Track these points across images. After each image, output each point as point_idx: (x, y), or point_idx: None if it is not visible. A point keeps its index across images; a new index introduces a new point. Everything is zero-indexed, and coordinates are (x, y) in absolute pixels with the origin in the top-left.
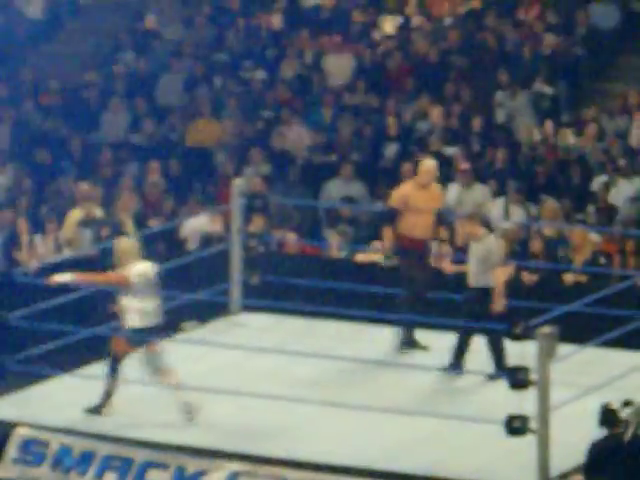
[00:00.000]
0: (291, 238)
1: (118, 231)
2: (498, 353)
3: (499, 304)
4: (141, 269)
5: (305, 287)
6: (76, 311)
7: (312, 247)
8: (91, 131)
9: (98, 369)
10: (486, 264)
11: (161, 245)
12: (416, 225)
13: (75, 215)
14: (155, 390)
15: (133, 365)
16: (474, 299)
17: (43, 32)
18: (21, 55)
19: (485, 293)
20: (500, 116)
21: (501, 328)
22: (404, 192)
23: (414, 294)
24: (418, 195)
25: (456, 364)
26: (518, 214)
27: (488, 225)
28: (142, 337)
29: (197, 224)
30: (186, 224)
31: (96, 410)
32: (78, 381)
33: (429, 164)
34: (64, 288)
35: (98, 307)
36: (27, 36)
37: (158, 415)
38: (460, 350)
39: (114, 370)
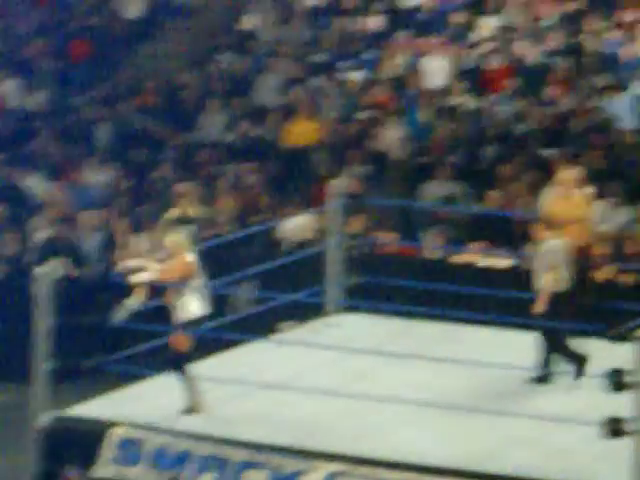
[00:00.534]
0: (388, 239)
1: (218, 231)
2: (566, 353)
3: (539, 306)
4: (193, 259)
5: (402, 288)
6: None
7: (409, 248)
8: (189, 131)
9: (194, 369)
10: (549, 266)
11: (259, 246)
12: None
13: (171, 215)
14: (251, 390)
15: (226, 364)
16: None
17: (141, 32)
18: (120, 55)
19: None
20: (599, 118)
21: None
22: (546, 204)
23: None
24: (560, 205)
25: (577, 369)
26: (616, 216)
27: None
28: (202, 327)
29: (294, 225)
30: (284, 225)
31: (189, 411)
32: (175, 381)
33: (569, 173)
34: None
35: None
36: (126, 36)
37: (254, 415)
38: (566, 353)
39: (186, 369)
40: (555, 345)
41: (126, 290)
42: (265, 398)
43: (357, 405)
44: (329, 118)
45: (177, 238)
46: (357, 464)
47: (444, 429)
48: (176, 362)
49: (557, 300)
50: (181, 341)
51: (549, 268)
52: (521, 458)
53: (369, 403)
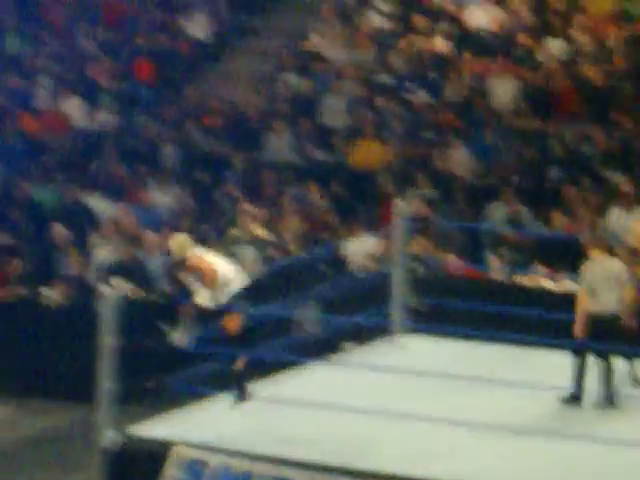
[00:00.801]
0: (453, 261)
1: (283, 252)
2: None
3: (577, 329)
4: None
5: (467, 310)
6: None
7: (474, 270)
8: (254, 152)
9: (258, 389)
10: (603, 287)
11: (324, 267)
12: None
13: (236, 235)
14: (313, 411)
15: (289, 385)
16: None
17: (208, 53)
18: (185, 76)
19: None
20: None
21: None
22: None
23: None
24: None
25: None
26: None
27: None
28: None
29: (360, 246)
30: (349, 246)
31: (241, 398)
32: (237, 400)
33: None
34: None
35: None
36: (191, 57)
37: (316, 436)
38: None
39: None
40: (606, 368)
41: (188, 311)
42: (327, 419)
43: (421, 427)
44: (395, 139)
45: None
46: None
47: (506, 453)
48: (238, 381)
49: (599, 324)
50: (232, 322)
51: (592, 290)
52: None
53: (433, 425)
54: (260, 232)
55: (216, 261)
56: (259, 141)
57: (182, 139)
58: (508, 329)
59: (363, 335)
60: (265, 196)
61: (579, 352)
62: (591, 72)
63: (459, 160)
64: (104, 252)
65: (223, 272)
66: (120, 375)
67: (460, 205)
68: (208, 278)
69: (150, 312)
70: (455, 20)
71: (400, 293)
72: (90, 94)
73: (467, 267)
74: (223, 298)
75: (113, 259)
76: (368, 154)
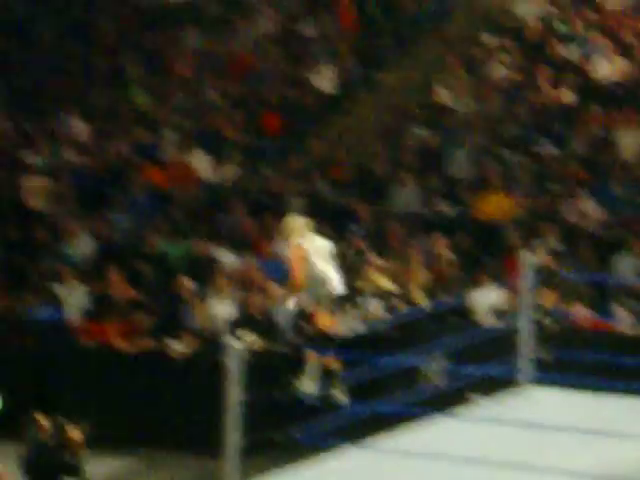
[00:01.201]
0: (582, 313)
1: (409, 303)
2: None
3: None
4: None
5: (594, 361)
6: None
7: (602, 322)
8: (381, 203)
9: (387, 442)
10: None
11: (451, 319)
12: None
13: (361, 286)
14: (440, 464)
15: (416, 437)
16: None
17: (334, 105)
18: (312, 128)
19: None
20: None
21: None
22: None
23: None
24: None
25: None
26: None
27: None
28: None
29: (487, 298)
30: (476, 298)
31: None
32: (367, 453)
33: None
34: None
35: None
36: (318, 109)
37: None
38: None
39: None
40: None
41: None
42: (454, 473)
43: None
44: (522, 191)
45: (296, 222)
46: None
47: None
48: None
49: None
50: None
51: None
52: None
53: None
54: (385, 283)
55: (319, 257)
56: (386, 193)
57: (309, 191)
58: (636, 381)
59: (489, 387)
60: (391, 247)
61: None
62: None
63: (586, 212)
64: (230, 304)
65: (320, 270)
66: (246, 427)
67: (586, 256)
68: (296, 273)
69: (276, 363)
70: (580, 71)
71: (526, 345)
72: (216, 146)
73: (594, 319)
74: (313, 297)
75: (239, 311)
76: (495, 206)
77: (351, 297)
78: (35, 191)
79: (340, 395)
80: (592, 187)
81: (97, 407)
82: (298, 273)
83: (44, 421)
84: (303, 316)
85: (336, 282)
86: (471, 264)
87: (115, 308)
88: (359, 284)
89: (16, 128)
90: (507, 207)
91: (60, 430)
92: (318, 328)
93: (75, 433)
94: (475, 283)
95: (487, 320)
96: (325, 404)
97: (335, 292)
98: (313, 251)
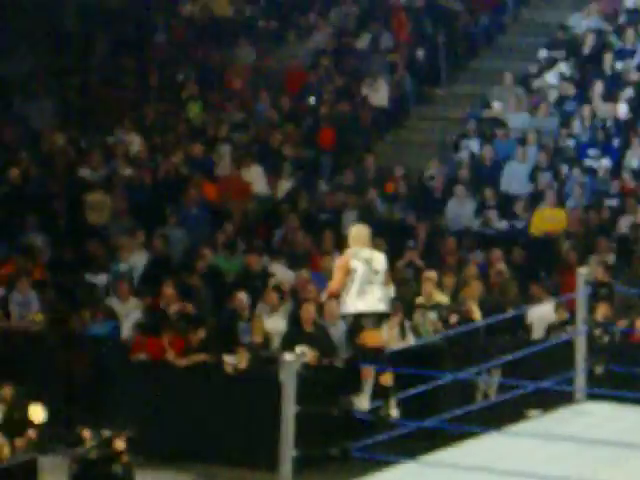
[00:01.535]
0: (637, 327)
1: (465, 318)
2: None
3: None
4: (365, 255)
5: None
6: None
7: None
8: (436, 218)
9: (441, 457)
10: None
11: (507, 333)
12: None
13: (418, 301)
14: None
15: (470, 453)
16: None
17: (388, 119)
18: (367, 143)
19: None
20: None
21: None
22: None
23: None
24: None
25: None
26: None
27: None
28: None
29: (542, 312)
30: (531, 312)
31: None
32: (420, 467)
33: None
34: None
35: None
36: (373, 123)
37: None
38: None
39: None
40: None
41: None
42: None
43: None
44: (578, 206)
45: (356, 231)
46: None
47: None
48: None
49: None
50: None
51: None
52: None
53: None
54: (441, 297)
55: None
56: (441, 207)
57: (364, 206)
58: None
59: (546, 402)
60: (447, 263)
61: None
62: None
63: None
64: (284, 318)
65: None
66: (302, 442)
67: None
68: (336, 276)
69: (330, 378)
70: (635, 85)
71: (583, 359)
72: (271, 161)
73: None
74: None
75: (293, 325)
76: (550, 220)
77: (406, 312)
78: (95, 206)
79: (394, 410)
80: None
81: (151, 422)
82: (339, 276)
83: (87, 434)
84: (355, 330)
85: (379, 294)
86: (527, 279)
87: (169, 322)
88: (415, 298)
89: (72, 143)
90: (562, 221)
91: (106, 442)
92: (370, 343)
93: (119, 444)
94: (531, 298)
95: (543, 335)
96: (379, 419)
97: (378, 303)
98: (366, 258)
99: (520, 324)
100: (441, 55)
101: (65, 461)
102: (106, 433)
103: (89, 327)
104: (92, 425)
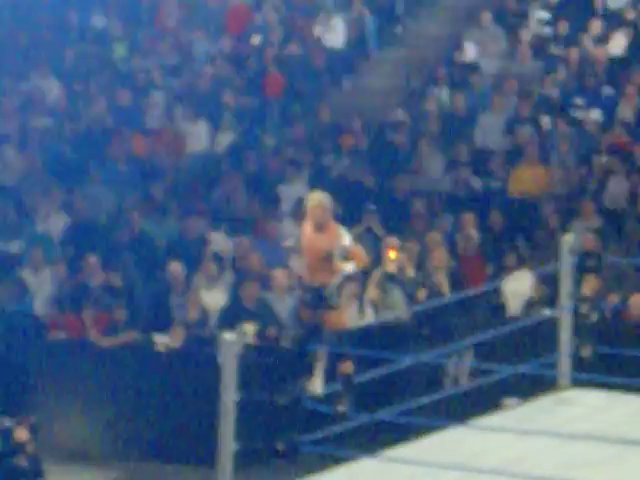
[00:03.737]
0: (628, 303)
1: (434, 292)
2: None
3: None
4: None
5: None
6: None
7: None
8: (400, 178)
9: (399, 451)
10: None
11: (480, 309)
12: None
13: (380, 273)
14: (469, 475)
15: (440, 447)
16: None
17: (345, 64)
18: (320, 90)
19: None
20: None
21: None
22: None
23: None
24: None
25: None
26: None
27: None
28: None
29: (520, 286)
30: (507, 286)
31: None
32: (377, 463)
33: None
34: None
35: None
36: (326, 68)
37: None
38: None
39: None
40: None
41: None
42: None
43: None
44: (560, 163)
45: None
46: None
47: None
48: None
49: None
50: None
51: None
52: None
53: None
54: (407, 270)
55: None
56: (406, 165)
57: (318, 163)
58: None
59: (525, 388)
60: (412, 229)
61: None
62: None
63: (632, 188)
64: (223, 292)
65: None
66: (244, 434)
67: (634, 238)
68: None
69: (278, 360)
70: (631, 25)
71: (567, 341)
72: (209, 111)
73: None
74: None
75: (235, 300)
76: (530, 180)
77: (366, 284)
78: (4, 162)
79: (351, 398)
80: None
81: (68, 411)
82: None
83: None
84: (308, 307)
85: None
86: (503, 246)
87: (91, 296)
88: (374, 269)
89: None
90: (545, 181)
91: (5, 433)
92: (325, 321)
93: (22, 433)
94: (508, 269)
95: (521, 312)
96: (332, 408)
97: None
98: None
99: (495, 299)
100: None
101: None
102: (5, 422)
103: None
104: (7, 414)
